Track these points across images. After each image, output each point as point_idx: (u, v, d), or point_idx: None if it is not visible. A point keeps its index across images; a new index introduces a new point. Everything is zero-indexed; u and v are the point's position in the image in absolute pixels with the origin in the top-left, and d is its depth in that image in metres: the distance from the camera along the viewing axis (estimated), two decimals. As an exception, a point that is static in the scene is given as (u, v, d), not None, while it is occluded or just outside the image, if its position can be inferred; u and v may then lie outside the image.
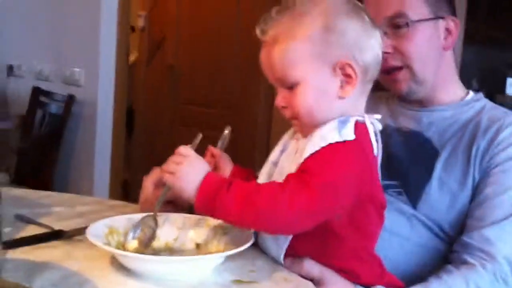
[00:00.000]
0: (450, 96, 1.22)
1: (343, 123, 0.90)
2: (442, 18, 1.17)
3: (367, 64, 0.92)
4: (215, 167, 1.09)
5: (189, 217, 1.02)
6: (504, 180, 1.08)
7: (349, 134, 0.88)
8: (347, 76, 0.91)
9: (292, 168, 0.90)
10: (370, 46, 0.93)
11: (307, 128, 0.93)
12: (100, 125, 3.29)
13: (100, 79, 3.26)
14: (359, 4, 0.96)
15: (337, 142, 0.87)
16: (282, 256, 0.93)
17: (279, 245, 0.92)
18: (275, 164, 1.00)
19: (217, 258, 0.88)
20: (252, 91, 3.50)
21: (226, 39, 3.66)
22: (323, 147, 0.86)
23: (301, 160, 0.87)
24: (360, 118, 0.92)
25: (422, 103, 1.21)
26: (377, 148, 0.95)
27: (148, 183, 1.12)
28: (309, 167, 0.85)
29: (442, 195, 1.11)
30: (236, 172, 1.09)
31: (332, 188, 0.85)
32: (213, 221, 1.00)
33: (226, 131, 1.12)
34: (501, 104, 1.26)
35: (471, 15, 3.04)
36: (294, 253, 0.93)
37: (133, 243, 0.94)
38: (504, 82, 4.44)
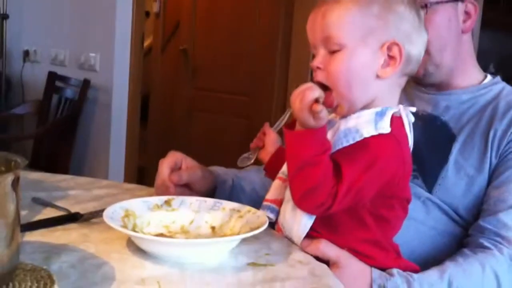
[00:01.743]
0: (468, 79, 1.20)
1: (380, 115, 0.90)
2: (462, 1, 1.15)
3: (411, 56, 0.93)
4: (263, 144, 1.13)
5: (205, 201, 1.02)
6: (522, 164, 1.07)
7: (385, 127, 0.89)
8: (391, 58, 0.92)
9: None
10: (418, 43, 0.94)
11: (337, 98, 0.92)
12: (115, 110, 3.30)
13: (115, 65, 3.27)
14: (418, 5, 0.97)
15: (372, 136, 0.87)
16: (303, 236, 0.93)
17: (302, 224, 0.92)
18: None
19: (232, 241, 0.88)
20: (268, 78, 3.49)
21: (243, 25, 3.64)
22: (357, 141, 0.88)
23: (333, 149, 0.88)
24: (396, 110, 0.92)
25: (439, 87, 1.20)
26: (411, 140, 0.95)
27: (164, 166, 1.13)
28: (343, 166, 0.86)
29: (458, 179, 1.10)
30: (280, 152, 1.10)
31: (355, 187, 0.86)
32: (229, 205, 1.00)
33: (287, 113, 1.11)
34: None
35: (489, 1, 3.00)
36: (312, 235, 0.93)
37: (151, 227, 0.95)
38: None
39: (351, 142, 0.88)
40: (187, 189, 1.13)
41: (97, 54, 3.34)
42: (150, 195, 1.09)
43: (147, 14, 4.41)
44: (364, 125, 0.89)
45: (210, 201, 1.02)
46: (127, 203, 0.97)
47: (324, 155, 0.87)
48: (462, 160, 1.11)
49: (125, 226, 0.90)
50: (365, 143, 0.87)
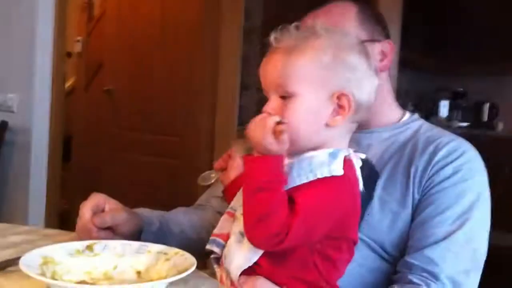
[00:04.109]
0: (387, 117, 1.24)
1: (333, 157, 0.90)
2: (378, 41, 1.20)
3: (360, 103, 0.94)
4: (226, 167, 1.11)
5: (130, 244, 0.99)
6: (443, 199, 1.10)
7: (338, 169, 0.89)
8: (341, 107, 0.93)
9: None
10: (368, 90, 0.95)
11: (289, 146, 0.92)
12: (35, 152, 3.19)
13: (34, 106, 3.17)
14: (367, 49, 0.99)
15: (325, 177, 0.88)
16: (242, 269, 0.90)
17: (246, 257, 0.90)
18: None
19: (159, 285, 0.85)
20: (196, 118, 3.49)
21: (169, 65, 3.64)
22: (311, 181, 0.88)
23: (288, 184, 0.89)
24: (347, 154, 0.93)
25: (359, 126, 1.23)
26: (361, 184, 0.95)
27: (86, 209, 1.09)
28: (296, 200, 0.86)
29: (383, 215, 1.12)
30: (240, 179, 1.07)
31: (307, 223, 0.86)
32: (155, 247, 0.97)
33: (217, 174, 1.15)
34: (435, 124, 1.30)
35: (405, 44, 3.16)
36: (253, 269, 0.91)
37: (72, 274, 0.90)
38: (437, 105, 4.62)
39: (305, 181, 0.88)
40: (111, 232, 1.09)
41: (15, 94, 3.23)
42: (72, 240, 1.05)
43: (69, 54, 4.34)
44: (318, 166, 0.89)
45: (135, 244, 0.99)
46: (45, 250, 0.92)
47: (280, 184, 0.87)
48: (386, 196, 1.13)
49: (43, 274, 0.85)
50: (319, 182, 0.88)
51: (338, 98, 0.92)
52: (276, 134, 0.87)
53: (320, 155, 0.90)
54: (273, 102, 0.94)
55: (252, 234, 0.89)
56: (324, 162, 0.89)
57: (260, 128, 0.88)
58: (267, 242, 0.87)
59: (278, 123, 0.89)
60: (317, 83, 0.92)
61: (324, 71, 0.92)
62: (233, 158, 1.11)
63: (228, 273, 0.92)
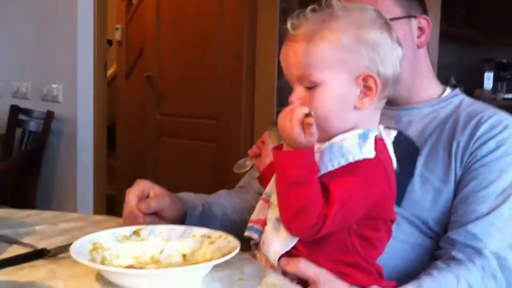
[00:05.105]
0: (427, 93, 1.23)
1: (363, 139, 0.89)
2: (414, 17, 1.18)
3: (387, 80, 0.93)
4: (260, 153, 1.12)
5: (175, 228, 1.01)
6: (486, 174, 1.09)
7: (369, 151, 0.88)
8: (368, 88, 0.91)
9: None
10: (393, 62, 0.93)
11: (319, 132, 0.92)
12: (81, 141, 3.26)
13: (78, 95, 3.24)
14: (388, 20, 0.96)
15: (357, 161, 0.87)
16: (280, 254, 0.92)
17: (283, 243, 0.92)
18: None
19: (204, 268, 0.87)
20: (235, 101, 3.49)
21: (207, 49, 3.65)
22: (343, 166, 0.87)
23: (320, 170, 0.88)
24: (377, 133, 0.92)
25: (400, 102, 1.22)
26: (395, 162, 0.95)
27: (131, 195, 1.11)
28: (331, 188, 0.86)
29: (425, 192, 1.12)
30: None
31: (344, 210, 0.86)
32: (199, 231, 0.99)
33: (252, 160, 1.15)
34: (479, 98, 1.27)
35: (446, 16, 3.08)
36: (291, 252, 0.92)
37: (121, 259, 0.93)
38: (482, 77, 4.51)
39: (337, 166, 0.88)
40: (156, 217, 1.12)
41: (59, 85, 3.30)
42: (119, 226, 1.08)
43: (110, 42, 4.40)
44: (349, 149, 0.88)
45: (180, 228, 1.01)
46: (94, 236, 0.95)
47: (313, 175, 0.87)
48: (428, 173, 1.12)
49: (93, 260, 0.88)
50: (352, 167, 0.87)
51: (364, 80, 0.91)
52: (305, 126, 0.86)
53: (350, 138, 0.90)
54: (299, 92, 0.93)
55: (289, 226, 0.90)
56: (355, 145, 0.89)
57: (289, 120, 0.87)
58: (306, 233, 0.88)
59: (307, 115, 0.87)
60: (341, 67, 0.90)
61: (346, 54, 0.90)
62: (267, 144, 1.12)
63: (267, 258, 0.94)
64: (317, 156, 0.91)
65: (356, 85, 0.91)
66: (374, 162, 0.89)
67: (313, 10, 0.93)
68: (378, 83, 0.91)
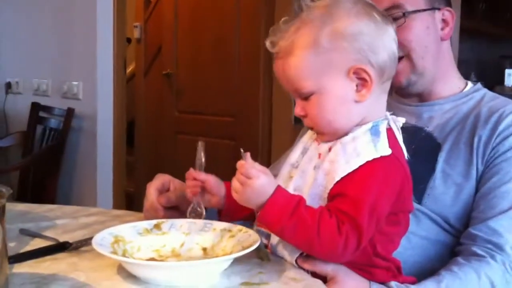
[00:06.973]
0: (449, 88, 1.21)
1: (375, 134, 0.89)
2: (438, 9, 1.17)
3: (382, 64, 0.90)
4: (202, 189, 1.05)
5: (195, 222, 1.01)
6: (508, 169, 1.08)
7: (385, 148, 0.87)
8: (362, 80, 0.90)
9: (310, 169, 0.92)
10: (384, 46, 0.91)
11: (329, 135, 0.93)
12: (100, 137, 3.29)
13: (98, 92, 3.27)
14: (368, 1, 0.93)
15: (374, 159, 0.86)
16: (297, 254, 0.92)
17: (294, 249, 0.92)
18: (295, 166, 0.99)
19: (224, 261, 0.87)
20: (252, 99, 3.49)
21: (225, 47, 3.65)
22: (360, 166, 0.86)
23: (335, 175, 0.87)
24: (386, 122, 0.92)
25: (421, 97, 1.21)
26: (405, 150, 0.94)
27: (152, 189, 1.12)
28: (349, 192, 0.85)
29: (446, 188, 1.11)
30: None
31: (375, 214, 0.85)
32: (219, 225, 0.99)
33: (199, 147, 1.09)
34: (500, 94, 1.26)
35: (466, 11, 3.05)
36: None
37: (142, 252, 0.94)
38: (503, 73, 4.45)
39: (354, 167, 0.86)
40: (177, 211, 1.12)
41: (79, 82, 3.33)
42: (139, 220, 1.08)
43: (129, 40, 4.42)
44: (364, 148, 0.88)
45: (200, 222, 1.01)
46: (116, 229, 0.96)
47: (297, 207, 0.85)
48: (449, 169, 1.12)
49: (115, 252, 0.89)
50: (370, 168, 0.86)
51: (356, 73, 0.89)
52: (242, 184, 0.87)
53: (362, 135, 0.89)
54: (299, 104, 0.93)
55: (327, 257, 0.89)
56: (368, 143, 0.88)
57: (236, 194, 0.88)
58: (345, 252, 0.85)
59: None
60: (329, 69, 0.89)
61: (329, 54, 0.88)
62: (207, 179, 1.05)
63: (284, 259, 0.94)
64: (331, 156, 0.90)
65: (350, 80, 0.90)
66: (390, 159, 0.88)
67: (286, 22, 0.92)
68: (370, 72, 0.89)
